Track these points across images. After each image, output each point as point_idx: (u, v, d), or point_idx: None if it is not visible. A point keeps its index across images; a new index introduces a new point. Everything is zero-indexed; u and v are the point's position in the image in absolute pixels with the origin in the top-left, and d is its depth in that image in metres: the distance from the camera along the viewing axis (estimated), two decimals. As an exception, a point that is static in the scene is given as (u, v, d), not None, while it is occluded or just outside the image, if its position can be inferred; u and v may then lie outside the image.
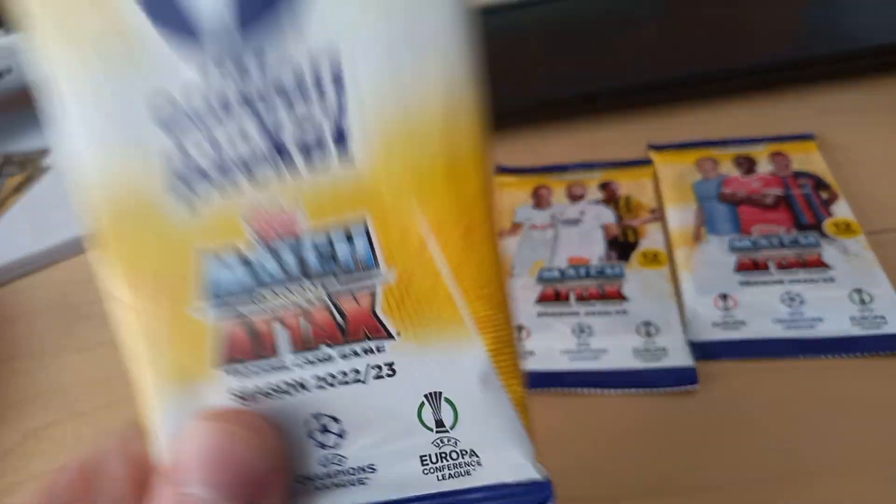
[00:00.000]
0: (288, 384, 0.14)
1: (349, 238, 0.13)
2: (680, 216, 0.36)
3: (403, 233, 0.13)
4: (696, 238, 0.34)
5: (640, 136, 0.42)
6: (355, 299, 0.14)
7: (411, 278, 0.13)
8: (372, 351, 0.14)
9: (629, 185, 0.38)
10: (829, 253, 0.32)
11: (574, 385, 0.29)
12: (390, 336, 0.14)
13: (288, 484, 0.15)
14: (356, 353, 0.14)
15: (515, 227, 0.37)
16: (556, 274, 0.34)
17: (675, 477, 0.26)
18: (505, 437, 0.15)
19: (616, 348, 0.30)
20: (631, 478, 0.26)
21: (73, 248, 0.43)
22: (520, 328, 0.32)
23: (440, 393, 0.14)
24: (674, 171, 0.39)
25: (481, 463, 0.15)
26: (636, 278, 0.33)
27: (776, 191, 0.36)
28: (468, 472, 0.15)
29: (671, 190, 0.37)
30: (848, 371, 0.28)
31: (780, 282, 0.31)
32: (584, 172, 0.40)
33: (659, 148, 0.41)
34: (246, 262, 0.14)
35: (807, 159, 0.38)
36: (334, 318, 0.14)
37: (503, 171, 0.42)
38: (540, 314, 0.32)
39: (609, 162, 0.40)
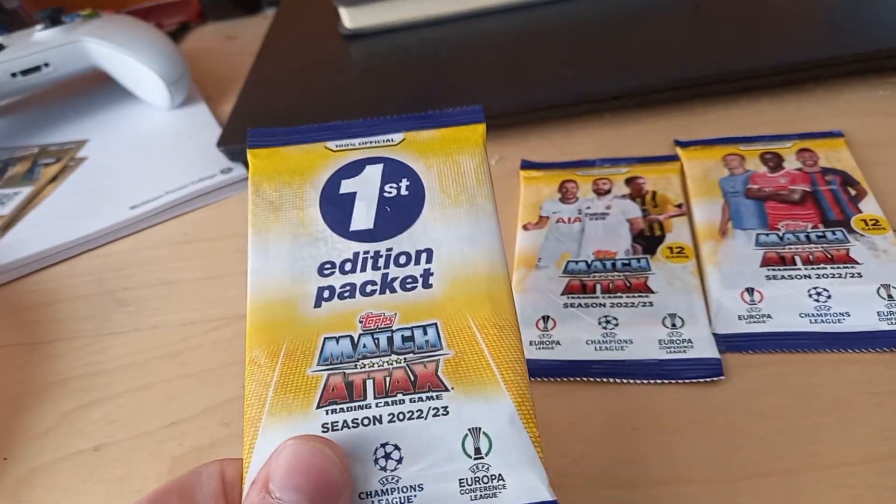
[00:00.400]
0: (367, 419, 0.20)
1: (424, 331, 0.21)
2: (706, 211, 0.36)
3: (460, 329, 0.21)
4: (723, 233, 0.34)
5: (667, 132, 0.43)
6: (425, 366, 0.21)
7: (463, 355, 0.21)
8: (432, 398, 0.20)
9: (655, 180, 0.39)
10: (856, 249, 0.32)
11: (599, 375, 0.30)
12: (446, 389, 0.20)
13: (352, 496, 0.19)
14: (421, 399, 0.20)
15: (542, 219, 0.38)
16: (582, 266, 0.34)
17: (698, 467, 0.26)
18: (525, 465, 0.20)
19: (641, 339, 0.30)
20: (654, 466, 0.27)
21: (108, 237, 0.45)
22: (546, 318, 0.32)
23: (480, 428, 0.20)
24: (700, 166, 0.39)
25: (506, 486, 0.19)
26: (662, 271, 0.33)
27: (803, 187, 0.36)
28: (495, 495, 0.19)
29: (697, 185, 0.38)
30: (875, 365, 0.28)
31: (807, 276, 0.31)
32: (611, 167, 0.40)
33: (685, 144, 0.41)
34: (353, 342, 0.21)
35: (835, 156, 0.38)
36: (409, 376, 0.21)
37: (530, 166, 0.42)
38: (566, 305, 0.32)
39: (635, 158, 0.40)
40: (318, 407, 0.20)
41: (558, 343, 0.31)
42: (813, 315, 0.30)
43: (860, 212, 0.34)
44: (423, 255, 0.22)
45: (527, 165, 0.42)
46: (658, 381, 0.29)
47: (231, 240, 0.43)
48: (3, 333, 0.39)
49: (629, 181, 0.39)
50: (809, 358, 0.29)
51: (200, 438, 0.32)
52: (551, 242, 0.36)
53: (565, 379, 0.30)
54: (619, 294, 0.32)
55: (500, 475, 0.19)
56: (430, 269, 0.22)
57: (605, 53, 0.46)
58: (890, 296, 0.30)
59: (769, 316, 0.30)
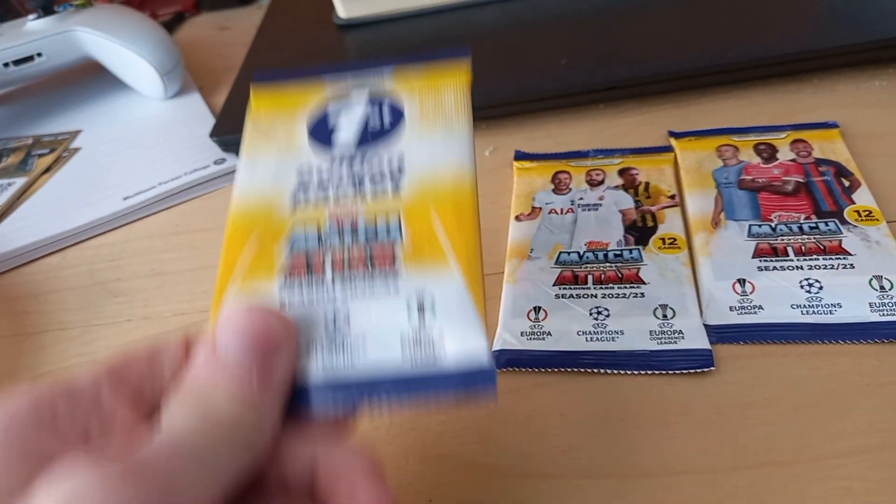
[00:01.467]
0: (323, 292, 0.22)
1: (387, 224, 0.23)
2: (699, 202, 0.36)
3: (421, 222, 0.23)
4: (715, 224, 0.34)
5: (662, 123, 0.42)
6: (383, 249, 0.23)
7: (421, 242, 0.23)
8: (386, 275, 0.22)
9: (649, 171, 0.38)
10: (849, 240, 0.32)
11: (590, 366, 0.30)
12: (400, 270, 0.22)
13: (299, 356, 0.21)
14: (375, 276, 0.22)
15: (535, 210, 0.37)
16: (574, 257, 0.34)
17: (688, 458, 0.26)
18: (468, 332, 0.21)
19: (632, 330, 0.30)
20: (643, 457, 0.27)
21: (101, 227, 0.44)
22: (538, 309, 0.32)
23: (428, 298, 0.22)
24: (694, 158, 0.38)
25: (446, 350, 0.21)
26: (654, 262, 0.33)
27: (797, 178, 0.36)
28: (434, 356, 0.21)
29: (690, 176, 0.37)
30: (865, 357, 0.28)
31: (799, 267, 0.31)
32: (604, 159, 0.40)
33: (679, 135, 0.40)
34: (319, 235, 0.23)
35: (829, 147, 0.37)
36: (366, 257, 0.23)
37: (523, 157, 0.42)
38: (557, 296, 0.32)
39: (629, 149, 0.40)
40: (280, 280, 0.23)
41: (549, 334, 0.31)
42: (804, 306, 0.30)
43: (854, 203, 0.34)
44: (397, 165, 0.25)
45: (520, 156, 0.42)
46: (648, 372, 0.29)
47: (222, 231, 0.42)
48: (-5, 324, 0.39)
49: (622, 172, 0.39)
50: (801, 349, 0.29)
51: (190, 429, 0.32)
52: (543, 233, 0.36)
53: (556, 370, 0.30)
54: (610, 285, 0.32)
55: (440, 335, 0.21)
56: (401, 177, 0.24)
57: (600, 43, 0.46)
58: (882, 287, 0.30)
59: (760, 307, 0.30)
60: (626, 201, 0.37)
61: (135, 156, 0.50)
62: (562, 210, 0.37)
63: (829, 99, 0.42)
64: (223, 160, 0.47)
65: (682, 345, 0.29)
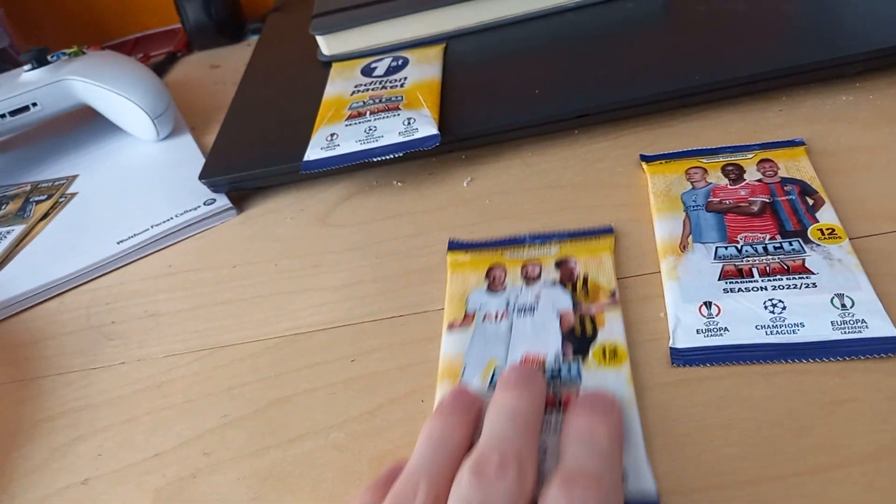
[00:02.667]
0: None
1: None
2: (667, 226, 0.37)
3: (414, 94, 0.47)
4: (683, 247, 0.35)
5: (634, 146, 0.43)
6: (392, 100, 0.47)
7: (412, 100, 0.46)
8: (397, 109, 0.47)
9: (587, 261, 0.37)
10: (812, 259, 0.33)
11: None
12: (399, 108, 0.46)
13: None
14: (388, 112, 0.46)
15: (468, 318, 0.35)
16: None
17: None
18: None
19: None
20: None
21: (97, 271, 0.46)
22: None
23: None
24: (663, 182, 0.39)
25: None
26: (594, 380, 0.31)
27: (762, 198, 0.37)
28: None
29: (660, 201, 0.38)
30: (827, 375, 0.29)
31: (763, 288, 0.32)
32: (541, 246, 0.38)
33: (649, 159, 0.41)
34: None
35: (794, 166, 0.38)
36: (385, 103, 0.47)
37: (457, 247, 0.40)
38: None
39: (566, 233, 0.38)
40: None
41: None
42: (769, 327, 0.31)
43: (817, 221, 0.35)
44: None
45: (454, 246, 0.40)
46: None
47: (214, 270, 0.44)
48: (-4, 371, 0.41)
49: (559, 264, 0.37)
50: (765, 369, 0.30)
51: (183, 469, 0.33)
52: (477, 346, 0.33)
53: None
54: (549, 409, 0.29)
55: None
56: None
57: (571, 72, 0.47)
58: (843, 305, 0.31)
59: (726, 329, 0.31)
60: (564, 301, 0.35)
61: (128, 198, 0.52)
62: (497, 315, 0.35)
63: (796, 116, 0.43)
64: (213, 200, 0.48)
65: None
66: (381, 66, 0.53)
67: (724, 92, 0.44)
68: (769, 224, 0.35)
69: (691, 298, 0.33)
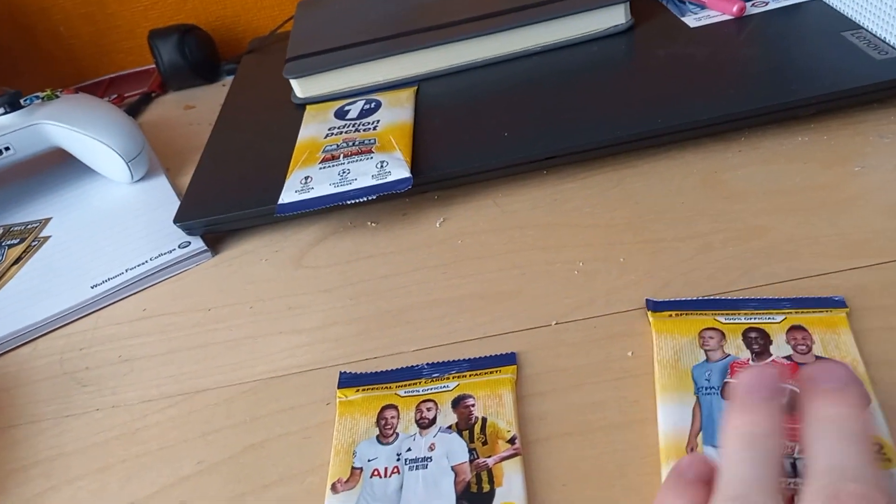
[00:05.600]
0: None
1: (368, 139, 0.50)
2: (673, 415, 0.30)
3: (386, 138, 0.49)
4: (691, 449, 0.29)
5: (601, 186, 0.45)
6: (365, 144, 0.49)
7: (384, 143, 0.49)
8: (369, 153, 0.48)
9: (486, 400, 0.33)
10: None
11: None
12: (372, 151, 0.48)
13: None
14: (361, 154, 0.48)
15: (355, 473, 0.32)
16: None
17: None
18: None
19: None
20: None
21: (70, 316, 0.46)
22: None
23: (385, 161, 0.45)
24: (671, 346, 0.33)
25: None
26: None
27: (794, 386, 0.26)
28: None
29: (666, 375, 0.32)
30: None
31: None
32: (438, 381, 0.35)
33: (657, 308, 0.35)
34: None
35: (833, 340, 0.32)
36: (358, 148, 0.49)
37: (348, 382, 0.36)
38: None
39: (465, 360, 0.36)
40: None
41: None
42: None
43: None
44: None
45: (345, 382, 0.36)
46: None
47: (189, 314, 0.44)
48: (-32, 421, 0.40)
49: (456, 403, 0.34)
50: None
51: (158, 517, 0.33)
52: None
53: None
54: None
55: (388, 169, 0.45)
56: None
57: (540, 114, 0.49)
58: None
59: None
60: (460, 452, 0.31)
61: (102, 242, 0.52)
62: (386, 471, 0.31)
63: (755, 156, 0.44)
64: (188, 243, 0.49)
65: None
66: (354, 109, 0.54)
67: (686, 133, 0.45)
68: (798, 426, 0.25)
69: None
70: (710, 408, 0.30)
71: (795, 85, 0.45)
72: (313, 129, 0.53)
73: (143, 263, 0.48)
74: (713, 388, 0.31)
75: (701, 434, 0.29)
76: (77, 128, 0.55)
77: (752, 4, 0.55)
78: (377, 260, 0.45)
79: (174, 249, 0.48)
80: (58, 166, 0.63)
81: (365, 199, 0.45)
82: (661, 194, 0.43)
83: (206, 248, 0.48)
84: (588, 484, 0.30)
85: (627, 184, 0.45)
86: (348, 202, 0.45)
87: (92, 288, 0.47)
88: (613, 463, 0.30)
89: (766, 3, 0.55)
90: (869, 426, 0.23)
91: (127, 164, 0.56)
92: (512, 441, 0.31)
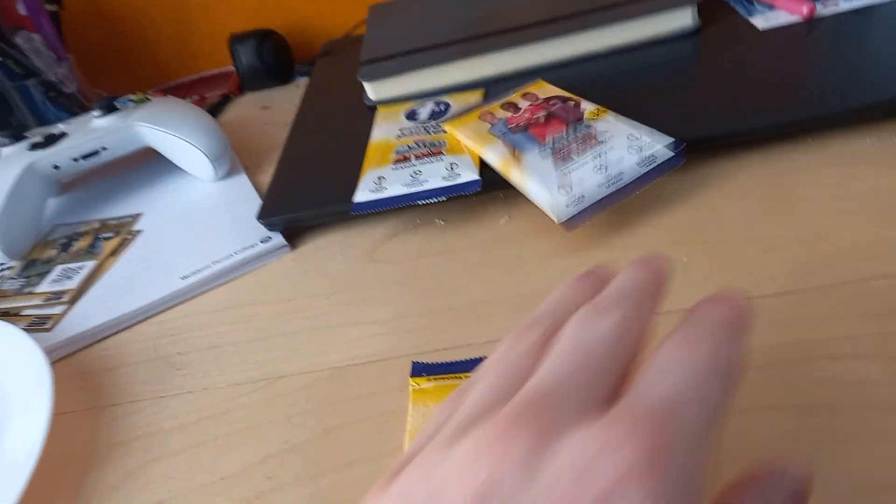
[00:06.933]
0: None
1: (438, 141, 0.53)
2: (495, 150, 0.47)
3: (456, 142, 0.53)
4: (517, 158, 0.46)
5: (660, 192, 0.46)
6: (436, 145, 0.52)
7: (453, 146, 0.51)
8: (440, 156, 0.50)
9: None
10: (598, 127, 0.46)
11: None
12: (443, 152, 0.50)
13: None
14: (432, 157, 0.50)
15: None
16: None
17: None
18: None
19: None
20: None
21: (162, 305, 0.50)
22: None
23: (455, 163, 0.49)
24: (469, 129, 0.51)
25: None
26: None
27: (542, 112, 0.50)
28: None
29: (476, 139, 0.49)
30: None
31: (586, 163, 0.44)
32: None
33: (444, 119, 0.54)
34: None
35: (543, 90, 0.53)
36: (429, 150, 0.52)
37: (422, 371, 0.37)
38: None
39: None
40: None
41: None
42: (605, 183, 0.43)
43: (584, 110, 0.49)
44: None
45: (418, 370, 0.37)
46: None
47: (271, 304, 0.47)
48: (73, 399, 0.44)
49: None
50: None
51: (248, 491, 0.36)
52: None
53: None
54: None
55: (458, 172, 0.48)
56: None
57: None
58: (638, 140, 0.45)
59: (583, 196, 0.43)
60: None
61: (190, 236, 0.56)
62: None
63: (821, 158, 0.45)
64: (269, 238, 0.52)
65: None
66: (424, 112, 0.56)
67: (751, 136, 0.46)
68: (559, 124, 0.48)
69: (549, 185, 0.43)
70: (512, 139, 0.49)
71: (865, 87, 0.45)
72: (385, 129, 0.55)
73: (228, 257, 0.51)
74: (506, 132, 0.50)
75: (516, 150, 0.47)
76: (168, 130, 0.59)
77: (823, 6, 0.55)
78: (445, 256, 0.47)
79: (256, 244, 0.52)
80: (146, 164, 0.67)
81: (436, 199, 0.47)
82: (724, 195, 0.44)
83: (285, 243, 0.52)
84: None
85: (689, 185, 0.46)
86: (419, 202, 0.47)
87: (182, 279, 0.50)
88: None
89: (837, 4, 0.55)
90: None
91: (212, 162, 0.59)
92: None
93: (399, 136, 0.54)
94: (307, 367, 0.42)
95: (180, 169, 0.63)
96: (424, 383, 0.37)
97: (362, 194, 0.49)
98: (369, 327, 0.43)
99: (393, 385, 0.39)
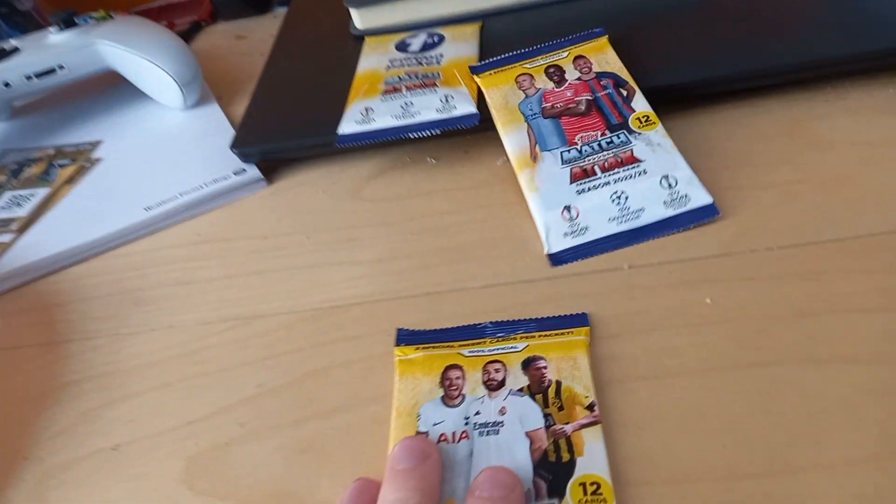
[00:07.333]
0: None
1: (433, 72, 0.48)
2: (516, 139, 0.41)
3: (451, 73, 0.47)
4: (534, 158, 0.39)
5: (679, 131, 0.43)
6: (429, 76, 0.47)
7: (449, 78, 0.46)
8: (433, 86, 0.46)
9: (559, 362, 0.31)
10: (638, 148, 0.38)
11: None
12: (437, 84, 0.46)
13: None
14: (425, 86, 0.46)
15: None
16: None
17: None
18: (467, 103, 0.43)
19: None
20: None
21: (124, 238, 0.45)
22: None
23: (450, 95, 0.44)
24: (499, 94, 0.43)
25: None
26: None
27: (586, 96, 0.42)
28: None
29: (502, 114, 0.42)
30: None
31: (607, 183, 0.37)
32: (504, 341, 0.33)
33: (479, 70, 0.45)
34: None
35: (604, 59, 0.44)
36: (422, 81, 0.47)
37: (407, 339, 0.34)
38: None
39: (533, 320, 0.34)
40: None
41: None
42: (618, 218, 0.36)
43: (634, 111, 0.40)
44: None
45: (403, 338, 0.34)
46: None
47: (245, 241, 0.43)
48: (22, 333, 0.40)
49: (527, 365, 0.31)
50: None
51: (217, 437, 0.32)
52: None
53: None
54: None
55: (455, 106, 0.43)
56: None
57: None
58: (670, 185, 0.37)
59: (587, 228, 0.37)
60: (535, 417, 0.29)
61: (155, 166, 0.51)
62: (454, 435, 0.29)
63: (841, 106, 0.42)
64: (243, 170, 0.48)
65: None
66: (416, 43, 0.52)
67: (769, 79, 0.43)
68: (597, 121, 0.40)
69: (553, 205, 0.37)
70: (538, 127, 0.41)
71: (887, 33, 0.42)
72: (373, 60, 0.51)
73: (197, 189, 0.47)
74: (536, 114, 0.41)
75: (538, 146, 0.40)
76: (132, 49, 0.54)
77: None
78: (438, 196, 0.43)
79: (229, 176, 0.47)
80: (108, 89, 0.62)
81: (428, 132, 0.43)
82: (741, 140, 0.41)
83: (261, 176, 0.47)
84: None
85: (704, 129, 0.42)
86: (411, 135, 0.43)
87: (146, 210, 0.46)
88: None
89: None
90: None
91: (181, 88, 0.54)
92: (591, 408, 0.29)
93: (389, 67, 0.50)
94: (286, 307, 0.38)
95: (146, 95, 0.58)
96: (412, 353, 0.33)
97: (348, 125, 0.45)
98: (354, 268, 0.40)
99: (381, 328, 0.35)
